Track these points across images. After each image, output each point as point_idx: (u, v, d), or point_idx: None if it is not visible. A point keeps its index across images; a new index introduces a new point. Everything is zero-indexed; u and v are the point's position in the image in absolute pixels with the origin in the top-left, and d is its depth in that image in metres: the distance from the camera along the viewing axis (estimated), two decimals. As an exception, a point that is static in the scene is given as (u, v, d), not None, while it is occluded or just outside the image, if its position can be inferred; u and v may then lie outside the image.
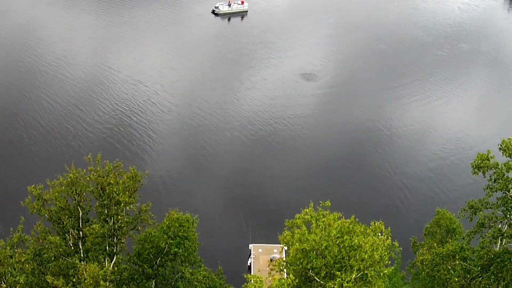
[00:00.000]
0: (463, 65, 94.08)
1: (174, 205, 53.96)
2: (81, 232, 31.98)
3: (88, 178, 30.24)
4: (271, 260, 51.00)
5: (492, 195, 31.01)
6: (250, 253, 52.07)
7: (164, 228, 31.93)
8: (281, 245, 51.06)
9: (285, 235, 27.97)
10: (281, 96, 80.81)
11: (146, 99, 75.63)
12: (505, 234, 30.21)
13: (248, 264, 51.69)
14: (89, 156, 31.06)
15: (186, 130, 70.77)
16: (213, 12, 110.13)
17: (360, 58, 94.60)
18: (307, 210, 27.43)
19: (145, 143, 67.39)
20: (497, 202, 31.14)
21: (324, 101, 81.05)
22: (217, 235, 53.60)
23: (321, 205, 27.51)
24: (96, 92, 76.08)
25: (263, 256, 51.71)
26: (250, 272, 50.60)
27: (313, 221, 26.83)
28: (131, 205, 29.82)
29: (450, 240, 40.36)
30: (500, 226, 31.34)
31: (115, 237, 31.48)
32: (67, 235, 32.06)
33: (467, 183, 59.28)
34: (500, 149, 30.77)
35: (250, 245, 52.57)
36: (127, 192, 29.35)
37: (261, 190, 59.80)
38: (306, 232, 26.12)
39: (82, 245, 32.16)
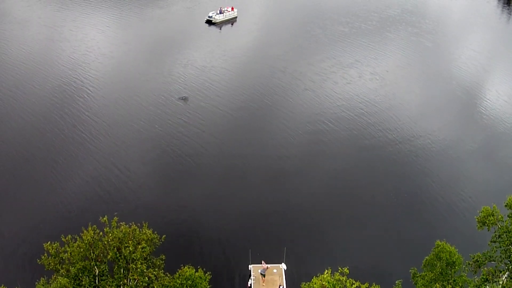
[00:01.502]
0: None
1: (171, 226, 55.48)
2: (97, 288, 32.59)
3: (105, 242, 30.70)
4: (262, 274, 52.20)
5: (496, 250, 32.27)
6: (250, 274, 53.03)
7: (178, 285, 32.57)
8: (281, 266, 52.95)
9: (303, 301, 28.85)
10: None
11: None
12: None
13: (249, 285, 52.71)
14: (105, 218, 31.49)
15: (176, 149, 70.73)
16: (207, 21, 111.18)
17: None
18: (324, 276, 28.32)
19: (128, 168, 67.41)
20: (501, 256, 32.48)
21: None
22: (216, 255, 54.47)
23: (339, 271, 28.41)
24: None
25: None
26: (251, 293, 51.86)
27: (330, 288, 27.75)
28: (149, 271, 30.40)
29: (450, 272, 41.98)
30: (504, 279, 32.69)
31: (132, 295, 32.18)
32: (83, 291, 32.63)
33: (468, 217, 59.53)
34: (506, 205, 31.91)
35: (250, 266, 53.49)
36: (144, 258, 29.94)
37: (261, 209, 60.41)
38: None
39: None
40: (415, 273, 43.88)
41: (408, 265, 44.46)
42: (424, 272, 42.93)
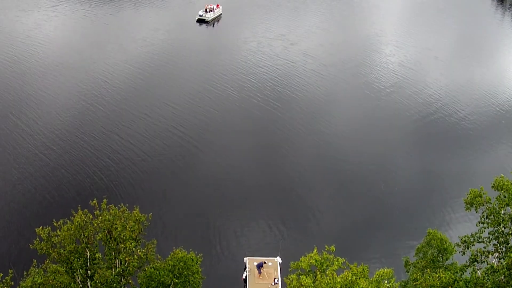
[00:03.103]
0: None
1: (167, 217, 55.85)
2: (89, 272, 32.82)
3: (95, 224, 30.99)
4: (258, 267, 52.24)
5: (484, 231, 32.52)
6: (245, 266, 53.19)
7: (170, 267, 32.79)
8: (276, 259, 53.12)
9: (291, 279, 29.06)
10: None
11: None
12: (498, 271, 31.64)
13: (244, 277, 52.85)
14: (94, 201, 31.81)
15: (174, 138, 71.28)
16: (198, 20, 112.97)
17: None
18: (312, 255, 28.56)
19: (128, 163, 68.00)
20: (489, 237, 32.71)
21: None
22: (212, 247, 54.68)
23: (326, 249, 28.62)
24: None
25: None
26: (246, 285, 51.98)
27: (318, 266, 27.99)
28: (138, 249, 30.69)
29: (441, 259, 42.24)
30: (492, 260, 32.88)
31: (123, 277, 32.42)
32: (75, 274, 32.88)
33: (458, 204, 60.01)
34: (492, 187, 32.20)
35: (245, 258, 53.66)
36: (133, 238, 30.19)
37: (256, 203, 60.71)
38: (312, 284, 27.14)
39: (90, 283, 33.03)
40: (407, 261, 44.18)
41: (401, 251, 44.80)
42: (416, 260, 43.22)
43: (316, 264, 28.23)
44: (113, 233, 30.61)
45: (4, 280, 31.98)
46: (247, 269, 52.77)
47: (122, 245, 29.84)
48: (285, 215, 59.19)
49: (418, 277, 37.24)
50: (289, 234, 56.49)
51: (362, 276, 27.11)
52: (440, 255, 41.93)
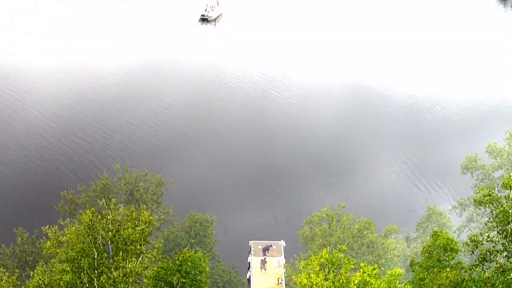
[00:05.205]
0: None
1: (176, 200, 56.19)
2: (96, 271, 32.58)
3: (104, 224, 30.77)
4: (264, 250, 52.06)
5: (493, 229, 32.51)
6: (250, 250, 52.89)
7: (177, 267, 32.63)
8: (280, 242, 52.99)
9: (301, 278, 28.74)
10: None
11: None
12: (507, 271, 31.57)
13: (248, 277, 52.66)
14: (103, 200, 31.74)
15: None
16: (201, 19, 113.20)
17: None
18: (322, 254, 28.27)
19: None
20: (498, 236, 32.67)
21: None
22: (218, 230, 54.70)
23: (338, 204, 28.80)
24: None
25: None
26: (250, 285, 51.80)
27: (329, 265, 27.74)
28: (149, 252, 30.59)
29: (446, 259, 42.21)
30: (501, 259, 32.80)
31: (130, 277, 32.24)
32: (82, 274, 32.66)
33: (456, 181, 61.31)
34: (486, 151, 33.52)
35: (250, 242, 53.35)
36: (143, 240, 30.11)
37: (263, 186, 61.29)
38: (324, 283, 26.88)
39: (97, 283, 32.82)
40: (412, 260, 44.05)
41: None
42: (422, 260, 43.16)
43: (327, 263, 28.02)
44: (122, 234, 30.40)
45: (9, 279, 31.82)
46: (252, 253, 52.22)
47: (131, 247, 29.64)
48: (289, 201, 59.84)
49: (425, 277, 37.21)
50: (292, 219, 56.72)
51: (373, 275, 26.97)
52: (446, 254, 41.91)
